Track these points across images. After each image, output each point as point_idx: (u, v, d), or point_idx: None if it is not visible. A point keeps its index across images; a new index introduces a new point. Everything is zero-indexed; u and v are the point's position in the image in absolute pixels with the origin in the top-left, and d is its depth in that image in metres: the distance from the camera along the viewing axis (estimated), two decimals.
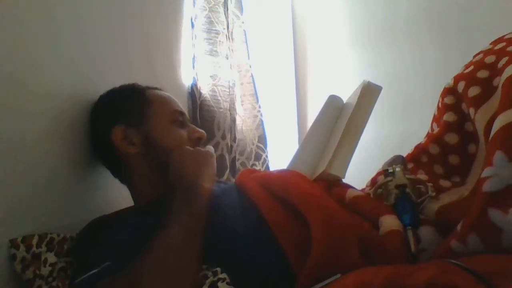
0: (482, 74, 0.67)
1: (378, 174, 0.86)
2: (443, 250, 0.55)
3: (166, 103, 0.85)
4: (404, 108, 1.55)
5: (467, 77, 0.70)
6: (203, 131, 0.87)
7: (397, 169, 0.70)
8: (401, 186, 0.67)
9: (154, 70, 1.10)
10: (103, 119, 0.81)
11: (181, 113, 0.85)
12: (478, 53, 0.75)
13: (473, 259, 0.48)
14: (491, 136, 0.55)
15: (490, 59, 0.68)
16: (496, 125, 0.55)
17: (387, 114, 1.55)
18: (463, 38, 1.32)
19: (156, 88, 0.88)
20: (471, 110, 0.66)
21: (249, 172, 0.84)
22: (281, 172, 0.79)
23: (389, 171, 0.71)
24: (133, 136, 0.79)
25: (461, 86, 0.71)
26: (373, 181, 0.86)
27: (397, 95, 1.57)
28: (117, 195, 0.86)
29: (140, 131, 0.79)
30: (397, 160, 0.77)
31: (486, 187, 0.51)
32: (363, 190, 0.86)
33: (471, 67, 0.71)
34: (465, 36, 1.34)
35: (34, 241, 0.65)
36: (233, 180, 1.30)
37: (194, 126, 0.87)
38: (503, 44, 0.69)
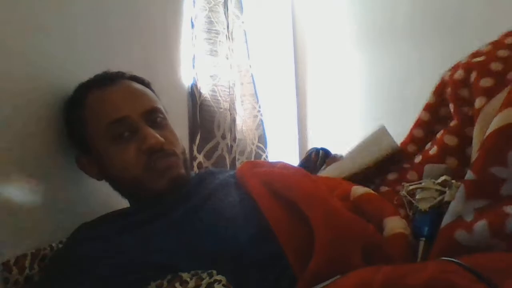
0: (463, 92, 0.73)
1: None
2: (446, 242, 0.55)
3: (101, 115, 0.71)
4: (403, 109, 1.55)
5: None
6: (155, 135, 0.69)
7: (456, 184, 0.65)
8: (449, 203, 0.62)
9: (154, 70, 1.10)
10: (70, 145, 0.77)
11: (121, 120, 0.69)
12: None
13: (473, 258, 0.47)
14: (493, 129, 0.55)
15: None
16: (502, 120, 0.55)
17: (386, 115, 1.55)
18: (463, 39, 1.32)
19: (98, 88, 0.73)
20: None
21: (251, 165, 0.79)
22: (284, 169, 0.76)
23: (449, 181, 0.66)
24: (93, 164, 0.74)
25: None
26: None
27: (396, 96, 1.57)
28: (111, 196, 0.85)
29: (93, 160, 0.74)
30: (446, 170, 0.72)
31: (504, 191, 0.53)
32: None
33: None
34: (464, 36, 1.34)
35: (27, 262, 0.64)
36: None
37: (145, 130, 0.69)
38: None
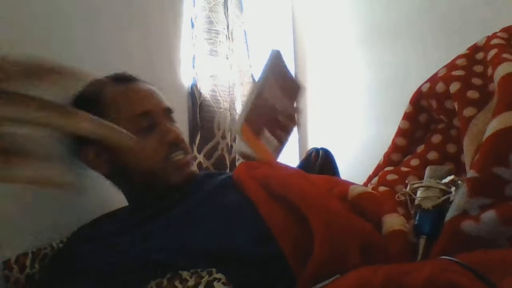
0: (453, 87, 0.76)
1: (387, 172, 0.86)
2: (453, 234, 0.55)
3: (124, 108, 0.72)
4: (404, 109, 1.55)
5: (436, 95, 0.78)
6: (176, 130, 0.75)
7: (462, 185, 0.64)
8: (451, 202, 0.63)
9: (154, 70, 1.10)
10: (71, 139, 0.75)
11: (145, 114, 0.72)
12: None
13: (472, 256, 0.47)
14: (492, 132, 0.56)
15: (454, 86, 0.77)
16: (499, 123, 0.57)
17: (389, 114, 1.55)
18: (464, 38, 1.32)
19: (119, 83, 0.76)
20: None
21: (247, 167, 0.79)
22: (282, 170, 0.77)
23: (456, 181, 0.65)
24: (103, 155, 0.73)
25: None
26: (382, 178, 0.86)
27: (399, 95, 1.56)
28: (111, 196, 0.83)
29: (102, 151, 0.72)
30: (450, 172, 0.71)
31: (509, 191, 0.55)
32: (365, 185, 0.87)
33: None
34: (466, 36, 1.34)
35: (28, 260, 0.64)
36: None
37: (166, 125, 0.74)
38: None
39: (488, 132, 0.59)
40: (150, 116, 0.73)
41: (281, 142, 0.88)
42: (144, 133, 0.71)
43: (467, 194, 0.57)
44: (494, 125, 0.58)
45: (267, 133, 0.83)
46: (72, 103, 0.74)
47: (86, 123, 0.30)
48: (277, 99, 0.86)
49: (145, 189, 0.74)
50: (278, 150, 0.88)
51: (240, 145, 0.85)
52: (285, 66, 0.88)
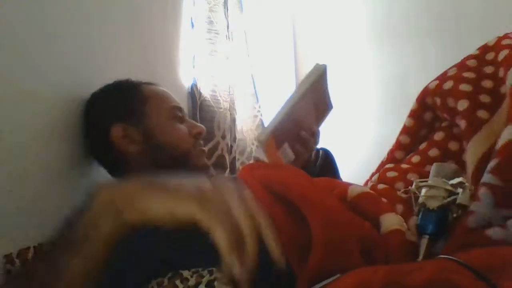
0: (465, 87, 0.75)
1: (387, 169, 0.86)
2: (478, 240, 0.55)
3: (164, 99, 0.85)
4: (405, 108, 1.55)
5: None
6: (202, 126, 0.87)
7: (470, 187, 0.64)
8: (460, 205, 0.62)
9: (154, 70, 1.10)
10: (100, 118, 0.80)
11: (180, 109, 0.85)
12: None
13: (472, 254, 0.47)
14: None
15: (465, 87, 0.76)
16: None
17: (390, 114, 1.55)
18: (463, 38, 1.32)
19: (151, 84, 0.87)
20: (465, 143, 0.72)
21: (251, 168, 0.79)
22: (282, 171, 0.77)
23: (464, 183, 0.64)
24: (133, 134, 0.79)
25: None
26: (382, 175, 0.86)
27: (399, 95, 1.57)
28: None
29: (139, 129, 0.79)
30: (457, 171, 0.71)
31: None
32: (367, 182, 0.87)
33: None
34: (464, 35, 1.34)
35: (30, 255, 0.64)
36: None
37: (192, 121, 0.88)
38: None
39: (504, 139, 0.58)
40: (183, 110, 0.86)
41: (299, 158, 0.87)
42: (177, 120, 0.83)
43: (494, 205, 0.56)
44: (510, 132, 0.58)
45: (286, 147, 0.84)
46: (109, 90, 0.82)
47: None
48: (307, 115, 0.87)
49: (167, 168, 0.76)
50: (293, 164, 0.86)
51: (259, 153, 0.86)
52: (326, 83, 0.89)
